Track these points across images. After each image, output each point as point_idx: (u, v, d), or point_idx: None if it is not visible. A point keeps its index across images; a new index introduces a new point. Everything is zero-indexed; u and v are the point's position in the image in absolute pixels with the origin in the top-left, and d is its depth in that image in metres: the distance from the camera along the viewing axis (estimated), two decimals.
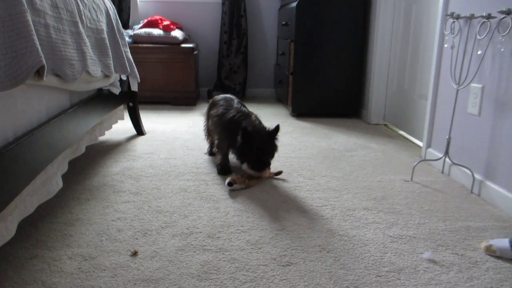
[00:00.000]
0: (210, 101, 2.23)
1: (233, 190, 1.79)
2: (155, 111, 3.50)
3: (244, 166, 1.88)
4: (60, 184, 1.54)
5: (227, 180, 1.80)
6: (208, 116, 2.19)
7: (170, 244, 1.35)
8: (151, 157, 2.24)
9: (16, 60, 1.06)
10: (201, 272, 1.20)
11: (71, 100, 1.77)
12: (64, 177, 1.66)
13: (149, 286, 1.13)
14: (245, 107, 2.07)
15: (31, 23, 1.11)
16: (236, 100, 2.10)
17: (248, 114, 1.97)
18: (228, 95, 2.17)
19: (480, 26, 1.80)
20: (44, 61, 1.13)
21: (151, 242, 1.36)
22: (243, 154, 1.88)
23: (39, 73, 1.17)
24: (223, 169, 2.00)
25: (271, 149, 1.90)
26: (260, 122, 1.96)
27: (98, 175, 1.95)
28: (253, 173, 1.87)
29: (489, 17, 1.73)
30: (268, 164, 1.90)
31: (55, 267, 1.21)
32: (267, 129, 1.91)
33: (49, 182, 1.45)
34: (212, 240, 1.38)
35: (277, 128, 1.90)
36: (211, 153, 2.28)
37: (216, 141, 2.07)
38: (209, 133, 2.25)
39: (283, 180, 1.94)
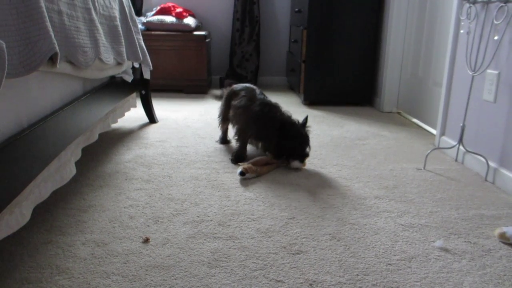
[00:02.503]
0: (229, 90, 2.21)
1: (245, 179, 1.80)
2: (167, 98, 3.51)
3: (296, 163, 1.90)
4: (73, 170, 1.56)
5: (239, 170, 1.80)
6: (228, 106, 2.17)
7: (181, 231, 1.36)
8: (163, 145, 2.25)
9: (30, 46, 1.06)
10: (211, 259, 1.21)
11: (84, 88, 1.78)
12: (78, 164, 1.68)
13: (160, 272, 1.15)
14: (267, 97, 2.09)
15: (44, 9, 1.12)
16: (258, 91, 2.11)
17: (276, 107, 2.00)
18: (248, 85, 2.17)
19: (498, 10, 1.76)
20: (57, 48, 1.14)
21: (163, 230, 1.37)
22: (284, 150, 1.91)
23: (52, 60, 1.18)
24: (238, 158, 2.00)
25: (308, 139, 1.95)
26: (290, 115, 2.01)
27: (111, 162, 1.97)
28: (298, 165, 1.91)
29: (506, 1, 1.69)
30: (308, 154, 1.94)
31: (69, 252, 1.23)
32: (297, 121, 1.96)
33: (62, 168, 1.47)
34: (222, 228, 1.39)
35: (306, 119, 1.97)
36: (222, 141, 2.28)
37: (237, 131, 2.06)
38: (223, 121, 2.24)
39: (294, 169, 1.94)
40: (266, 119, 1.95)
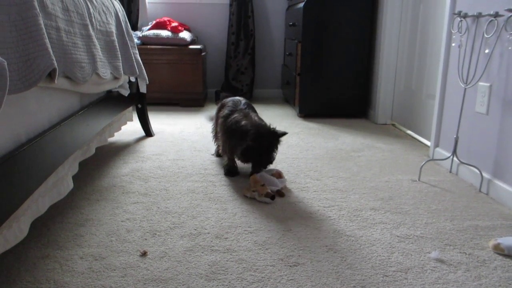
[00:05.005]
0: (220, 103, 2.23)
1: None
2: (163, 112, 3.52)
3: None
4: (70, 185, 1.56)
5: (268, 200, 1.69)
6: (217, 118, 2.20)
7: (178, 244, 1.37)
8: (160, 158, 2.26)
9: (29, 63, 1.08)
10: (209, 272, 1.21)
11: (82, 102, 1.79)
12: (75, 178, 1.68)
13: (158, 286, 1.15)
14: (252, 108, 2.08)
15: (43, 26, 1.14)
16: (243, 101, 2.10)
17: (247, 114, 1.96)
18: (236, 97, 2.17)
19: (488, 24, 1.80)
20: (55, 64, 1.15)
21: (160, 243, 1.37)
22: (249, 155, 1.86)
23: (50, 75, 1.19)
24: (230, 171, 2.01)
25: (272, 144, 1.87)
26: (261, 119, 1.97)
27: (108, 176, 1.97)
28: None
29: (496, 15, 1.73)
30: (270, 161, 1.89)
31: (66, 266, 1.23)
32: (271, 127, 1.89)
33: (60, 183, 1.47)
34: (220, 240, 1.40)
35: (283, 133, 1.89)
36: (218, 154, 2.28)
37: (221, 143, 2.07)
38: (216, 135, 2.24)
39: (290, 181, 1.95)
40: (235, 125, 1.91)
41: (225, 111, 2.05)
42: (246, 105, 2.08)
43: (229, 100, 2.15)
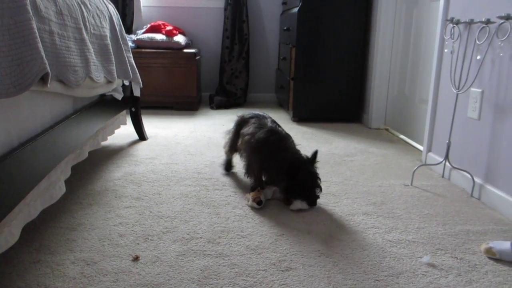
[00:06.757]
0: (239, 118, 2.05)
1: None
2: (157, 115, 3.52)
3: (298, 204, 1.70)
4: (63, 189, 1.56)
5: (255, 205, 1.69)
6: (237, 135, 2.00)
7: (171, 249, 1.36)
8: (153, 162, 2.25)
9: (21, 67, 1.08)
10: (201, 277, 1.21)
11: (75, 106, 1.79)
12: (67, 182, 1.68)
13: None
14: (279, 126, 1.94)
15: (36, 30, 1.13)
16: (270, 119, 1.96)
17: (285, 138, 1.83)
18: (260, 113, 2.02)
19: (480, 31, 1.82)
20: (48, 68, 1.15)
21: (152, 247, 1.37)
22: (293, 191, 1.71)
23: (43, 79, 1.19)
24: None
25: (317, 180, 1.75)
26: (297, 148, 1.83)
27: (101, 180, 1.97)
28: (300, 207, 1.72)
29: (488, 22, 1.75)
30: (318, 197, 1.75)
31: (58, 271, 1.23)
32: (305, 156, 1.78)
33: (52, 187, 1.47)
34: (212, 245, 1.40)
35: (315, 155, 1.77)
36: (227, 167, 2.13)
37: (246, 161, 1.90)
38: (230, 150, 2.07)
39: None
40: (272, 150, 1.78)
41: (251, 128, 1.89)
42: (273, 122, 1.93)
43: (251, 115, 2.00)
